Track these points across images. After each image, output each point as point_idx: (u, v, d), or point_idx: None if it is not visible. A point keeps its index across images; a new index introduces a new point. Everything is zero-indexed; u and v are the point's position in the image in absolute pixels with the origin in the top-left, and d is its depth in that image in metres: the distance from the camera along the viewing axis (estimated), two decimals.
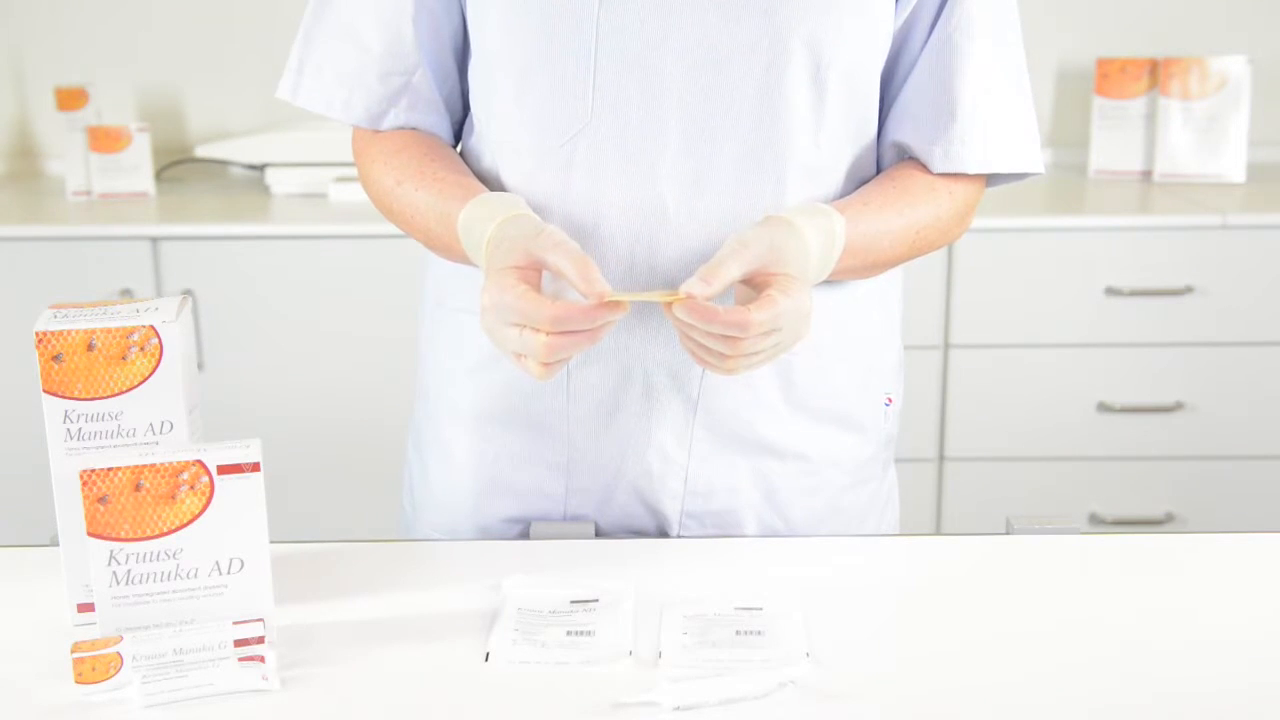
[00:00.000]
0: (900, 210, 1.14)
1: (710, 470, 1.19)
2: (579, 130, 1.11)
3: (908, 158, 1.18)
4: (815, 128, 1.13)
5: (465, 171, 1.17)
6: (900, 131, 1.17)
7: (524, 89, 1.13)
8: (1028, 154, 1.19)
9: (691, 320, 0.99)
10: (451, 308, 1.24)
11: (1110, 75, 2.73)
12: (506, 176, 1.16)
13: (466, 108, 1.24)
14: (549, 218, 1.13)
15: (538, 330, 0.98)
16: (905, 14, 1.15)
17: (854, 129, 1.15)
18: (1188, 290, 2.45)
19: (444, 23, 1.19)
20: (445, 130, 1.24)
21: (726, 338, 0.99)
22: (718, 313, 0.98)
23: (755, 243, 1.02)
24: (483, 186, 1.14)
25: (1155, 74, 2.71)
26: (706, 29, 1.09)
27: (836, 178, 1.15)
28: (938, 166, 1.15)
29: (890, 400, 1.27)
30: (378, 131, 1.22)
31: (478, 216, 1.08)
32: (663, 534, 1.20)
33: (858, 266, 1.13)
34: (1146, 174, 2.74)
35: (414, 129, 1.22)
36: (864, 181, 1.18)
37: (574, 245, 1.01)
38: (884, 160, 1.19)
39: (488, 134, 1.18)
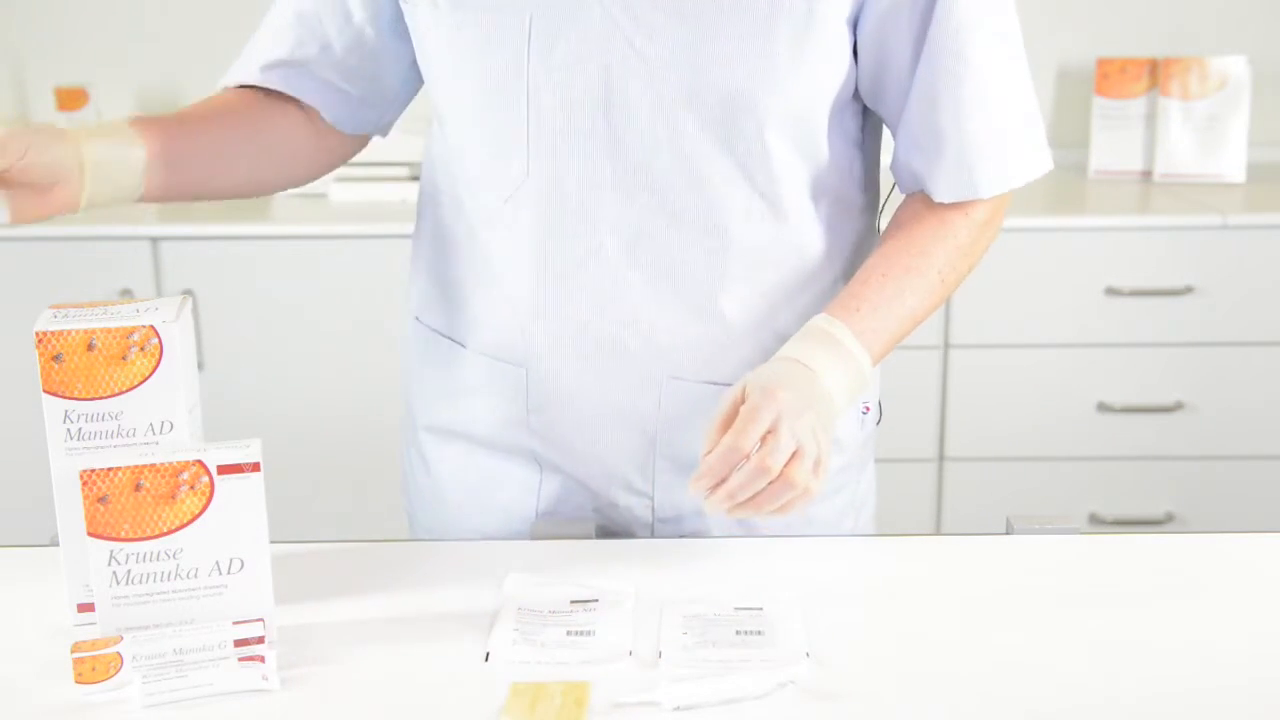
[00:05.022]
0: (914, 264, 1.12)
1: (676, 499, 1.19)
2: (518, 186, 1.11)
3: (914, 194, 1.17)
4: (761, 166, 1.10)
5: (200, 115, 1.18)
6: (911, 158, 1.14)
7: (465, 145, 1.14)
8: (1037, 160, 1.17)
9: (720, 502, 0.98)
10: (429, 325, 1.23)
11: (1110, 75, 2.73)
12: (465, 223, 1.17)
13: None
14: (500, 266, 1.14)
15: None
16: (870, 33, 1.10)
17: (808, 155, 1.12)
18: (1188, 290, 2.45)
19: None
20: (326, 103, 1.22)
21: (758, 473, 0.97)
22: (713, 464, 0.98)
23: (748, 380, 1.02)
24: (164, 122, 1.14)
25: (1155, 74, 2.71)
26: (637, 85, 1.07)
27: (796, 194, 1.13)
28: (952, 196, 1.13)
29: (867, 409, 1.25)
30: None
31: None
32: None
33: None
34: (1146, 174, 2.74)
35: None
36: (839, 176, 1.15)
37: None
38: (902, 179, 1.17)
39: (453, 176, 1.18)
